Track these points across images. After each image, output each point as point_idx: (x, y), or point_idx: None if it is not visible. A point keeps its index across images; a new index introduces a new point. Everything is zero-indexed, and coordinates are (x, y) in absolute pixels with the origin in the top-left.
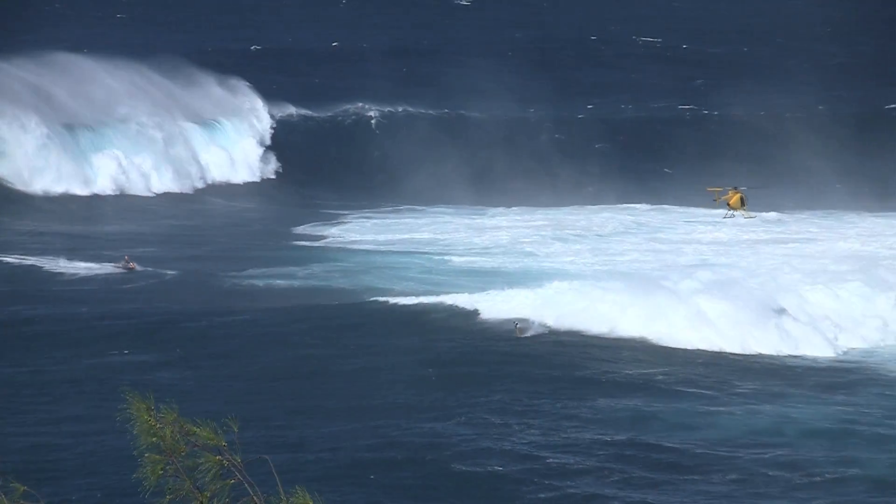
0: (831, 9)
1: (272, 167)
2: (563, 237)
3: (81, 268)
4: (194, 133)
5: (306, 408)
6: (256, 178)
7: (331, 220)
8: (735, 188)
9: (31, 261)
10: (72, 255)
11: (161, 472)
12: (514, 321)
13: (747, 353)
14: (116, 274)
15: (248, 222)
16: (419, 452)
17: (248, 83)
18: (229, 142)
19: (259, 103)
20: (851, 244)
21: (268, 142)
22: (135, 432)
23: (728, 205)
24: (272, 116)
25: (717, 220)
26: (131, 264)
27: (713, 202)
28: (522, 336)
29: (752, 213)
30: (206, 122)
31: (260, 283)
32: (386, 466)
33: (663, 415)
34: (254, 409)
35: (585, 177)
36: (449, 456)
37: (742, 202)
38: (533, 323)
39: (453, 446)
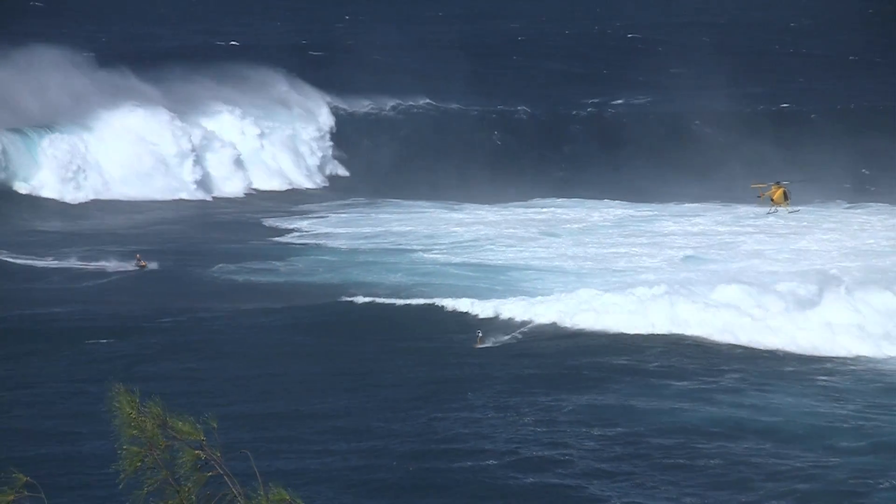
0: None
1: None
2: (550, 232)
3: (102, 266)
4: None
5: (291, 408)
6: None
7: (310, 213)
8: (778, 183)
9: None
10: (63, 255)
11: (139, 464)
12: (476, 330)
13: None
14: (87, 270)
15: (229, 217)
16: (409, 452)
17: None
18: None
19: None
20: (837, 236)
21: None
22: (115, 424)
23: (771, 200)
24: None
25: (692, 214)
26: (143, 263)
27: (757, 198)
28: (482, 346)
29: (796, 208)
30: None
31: (239, 278)
32: (376, 467)
33: (652, 406)
34: (235, 409)
35: (551, 172)
36: (440, 454)
37: (785, 196)
38: (526, 325)
39: (444, 444)
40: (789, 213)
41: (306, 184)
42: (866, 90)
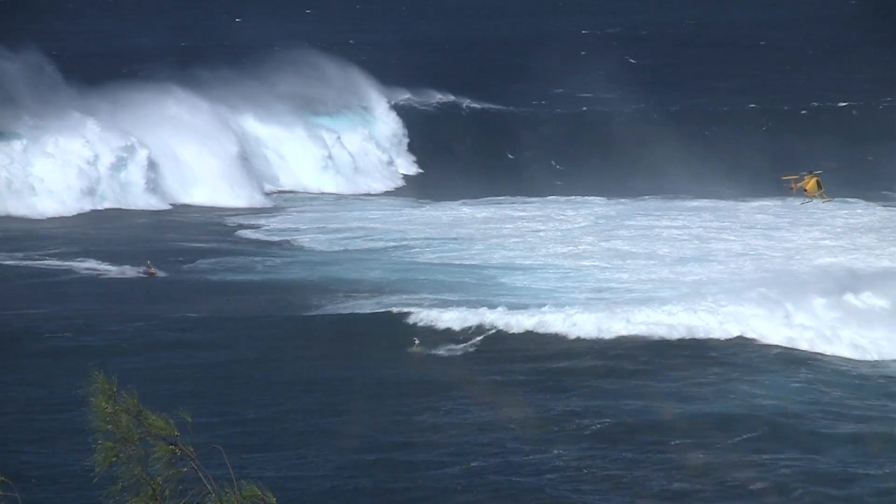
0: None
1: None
2: (535, 229)
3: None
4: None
5: (271, 413)
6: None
7: (278, 212)
8: (811, 172)
9: None
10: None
11: (114, 459)
12: (413, 338)
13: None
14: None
15: (194, 215)
16: (385, 458)
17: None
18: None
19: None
20: (820, 233)
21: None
22: (89, 417)
23: (805, 190)
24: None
25: (678, 210)
26: (152, 269)
27: (789, 191)
28: (417, 351)
29: (830, 197)
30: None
31: (213, 277)
32: (353, 473)
33: (634, 405)
34: (202, 414)
35: (523, 169)
36: (418, 459)
37: (819, 186)
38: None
39: (424, 449)
40: (823, 202)
41: (270, 183)
42: (835, 85)
